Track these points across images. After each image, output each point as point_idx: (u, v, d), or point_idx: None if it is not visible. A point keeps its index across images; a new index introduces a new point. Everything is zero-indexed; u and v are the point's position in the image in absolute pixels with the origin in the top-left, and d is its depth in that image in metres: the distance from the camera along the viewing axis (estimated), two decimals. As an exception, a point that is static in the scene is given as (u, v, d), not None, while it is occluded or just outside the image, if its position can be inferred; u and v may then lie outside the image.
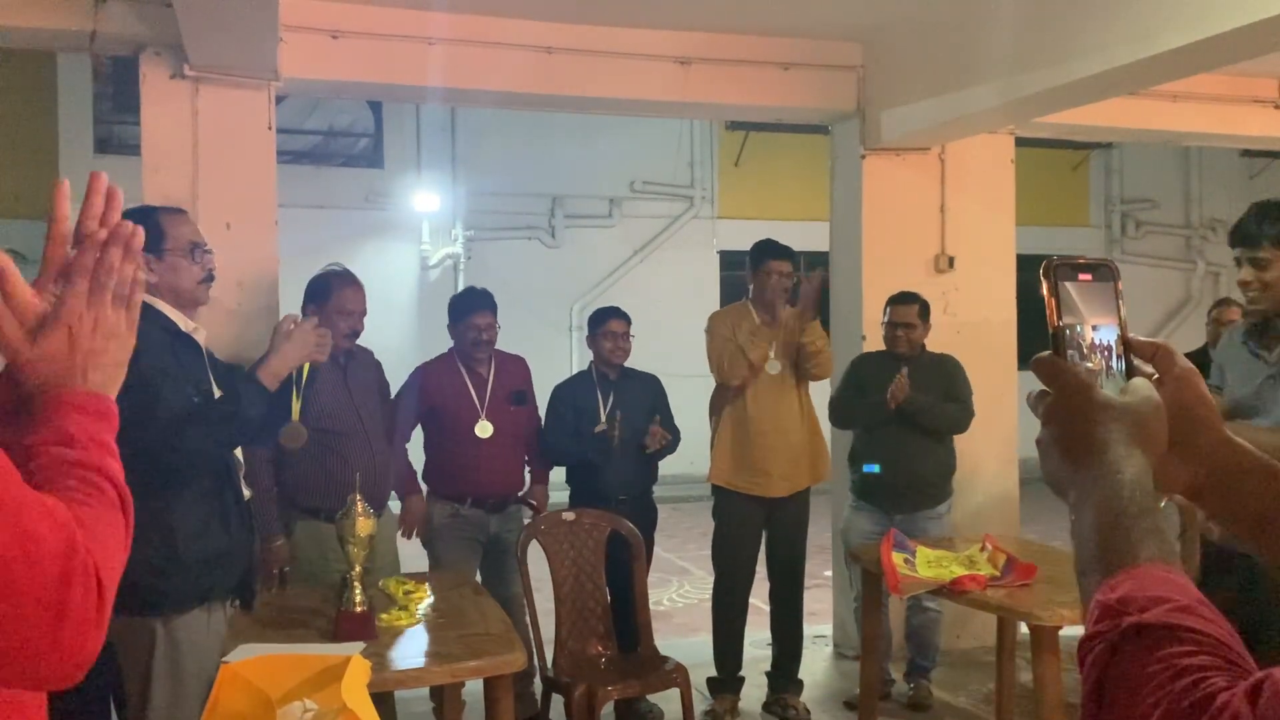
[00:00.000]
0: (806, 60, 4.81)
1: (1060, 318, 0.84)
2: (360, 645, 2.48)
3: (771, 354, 4.14)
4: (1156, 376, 0.85)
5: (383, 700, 2.75)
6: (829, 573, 5.48)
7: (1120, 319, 0.85)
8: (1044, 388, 0.84)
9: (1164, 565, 0.72)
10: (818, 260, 4.99)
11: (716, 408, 4.35)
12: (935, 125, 4.62)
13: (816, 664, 4.89)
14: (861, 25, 4.71)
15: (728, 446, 4.22)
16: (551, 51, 4.41)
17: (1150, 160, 12.15)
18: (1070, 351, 0.83)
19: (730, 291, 10.22)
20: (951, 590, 3.24)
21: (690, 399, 4.97)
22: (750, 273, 4.24)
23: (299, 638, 2.62)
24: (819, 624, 5.31)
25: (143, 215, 2.64)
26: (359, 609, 2.63)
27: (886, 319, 4.31)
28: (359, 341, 3.65)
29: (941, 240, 5.09)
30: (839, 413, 4.45)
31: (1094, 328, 0.85)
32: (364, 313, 3.58)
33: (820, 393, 4.40)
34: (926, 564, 3.44)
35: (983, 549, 3.47)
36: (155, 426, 2.37)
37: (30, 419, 0.97)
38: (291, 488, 3.51)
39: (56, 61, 9.25)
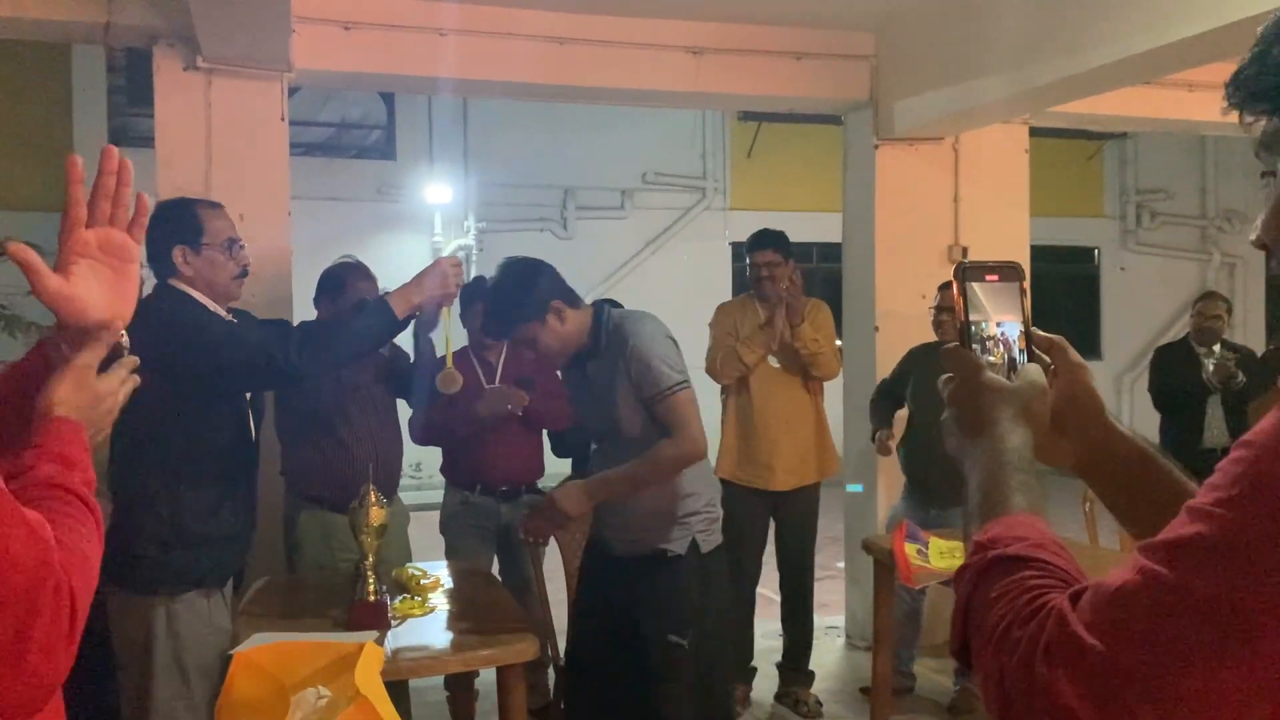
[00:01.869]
0: (819, 50, 4.79)
1: (967, 315, 0.96)
2: (373, 634, 2.49)
3: (773, 349, 4.13)
4: (1053, 366, 0.99)
5: (397, 689, 2.76)
6: (841, 564, 5.48)
7: (1024, 315, 0.97)
8: (949, 374, 0.97)
9: (1031, 514, 0.85)
10: (830, 251, 4.99)
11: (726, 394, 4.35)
12: (949, 115, 4.59)
13: (829, 655, 4.89)
14: (874, 14, 4.68)
15: (733, 440, 4.22)
16: (563, 42, 4.41)
17: (1165, 150, 12.07)
18: (975, 345, 0.95)
19: (742, 283, 10.19)
20: (964, 581, 3.23)
21: (701, 390, 4.95)
22: None
23: (311, 627, 2.63)
24: (831, 615, 5.31)
25: (180, 208, 2.66)
26: (372, 598, 2.64)
27: (935, 303, 4.24)
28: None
29: (955, 231, 5.07)
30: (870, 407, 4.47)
31: (998, 323, 0.96)
32: (378, 304, 3.58)
33: (832, 387, 4.38)
34: (939, 554, 3.43)
35: (996, 540, 3.46)
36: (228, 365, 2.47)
37: (26, 436, 0.99)
38: (295, 477, 3.52)
39: (71, 54, 9.28)
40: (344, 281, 3.53)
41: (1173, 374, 5.07)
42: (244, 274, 2.69)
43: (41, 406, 1.03)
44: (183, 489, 2.51)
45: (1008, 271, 0.97)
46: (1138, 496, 0.99)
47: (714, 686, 2.78)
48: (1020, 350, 0.96)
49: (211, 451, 2.55)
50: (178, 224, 2.59)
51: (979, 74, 4.25)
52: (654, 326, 2.74)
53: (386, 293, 2.69)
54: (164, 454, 2.51)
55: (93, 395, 1.07)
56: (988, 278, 0.97)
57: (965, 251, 5.06)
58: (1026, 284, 0.98)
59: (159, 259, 2.59)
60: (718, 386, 4.41)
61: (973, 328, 0.95)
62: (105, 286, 1.08)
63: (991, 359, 0.95)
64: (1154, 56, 3.56)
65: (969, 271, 0.96)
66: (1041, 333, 0.99)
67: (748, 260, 4.23)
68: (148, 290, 2.66)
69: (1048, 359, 0.99)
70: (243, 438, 2.70)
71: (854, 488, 4.27)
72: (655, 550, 2.71)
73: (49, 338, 1.15)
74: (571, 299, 2.73)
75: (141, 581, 2.48)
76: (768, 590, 4.46)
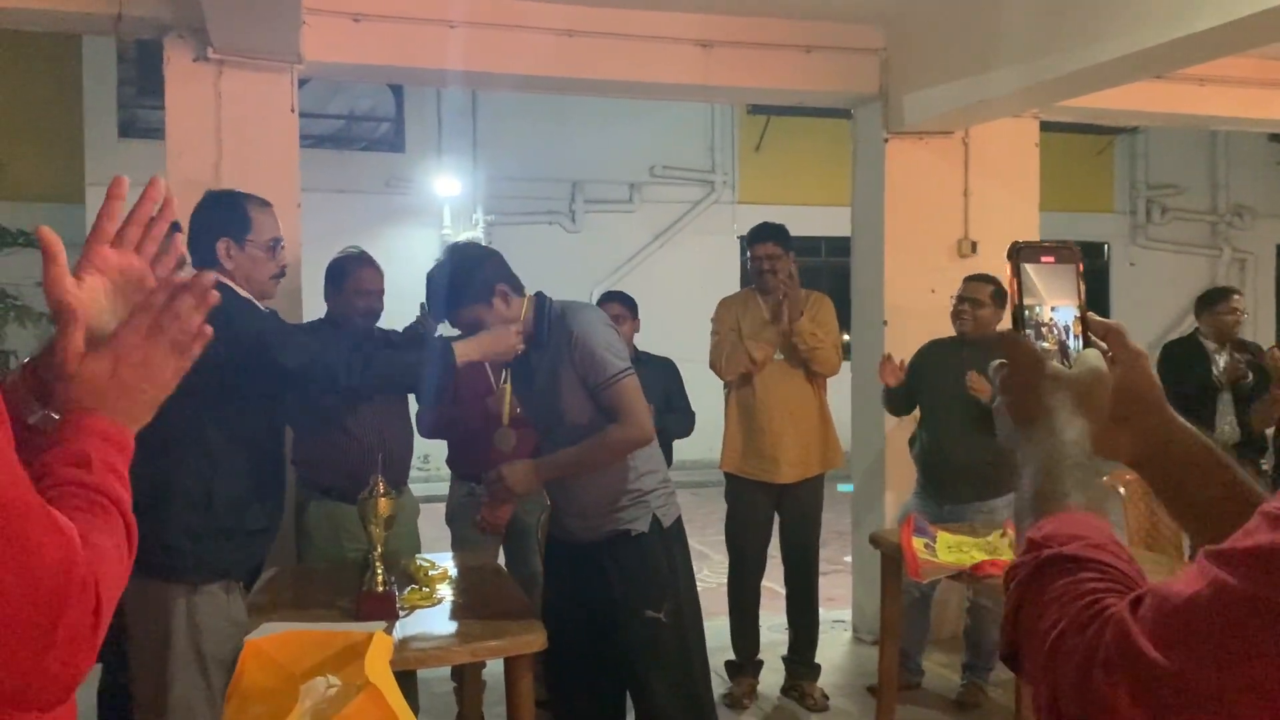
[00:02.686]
0: (828, 43, 4.78)
1: (1021, 298, 0.92)
2: (382, 624, 2.50)
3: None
4: (1109, 354, 0.93)
5: (405, 679, 2.77)
6: (849, 558, 5.48)
7: (1080, 299, 0.93)
8: (1002, 360, 0.93)
9: (1088, 511, 0.81)
10: (839, 245, 4.98)
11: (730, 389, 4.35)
12: (958, 109, 4.58)
13: (835, 649, 4.90)
14: (884, 8, 4.67)
15: (736, 433, 4.22)
16: (572, 35, 4.41)
17: (1176, 145, 12.02)
18: (1028, 330, 0.91)
19: (750, 277, 10.20)
20: (972, 575, 3.23)
21: (709, 384, 4.97)
22: None
23: (320, 617, 2.64)
24: (838, 609, 5.31)
25: (231, 201, 2.66)
26: (381, 589, 2.65)
27: (957, 293, 4.18)
28: (380, 324, 3.66)
29: (964, 225, 5.06)
30: (886, 401, 4.46)
31: (1053, 308, 0.92)
32: (382, 292, 3.59)
33: (840, 382, 4.38)
34: (947, 549, 3.43)
35: (1004, 534, 3.46)
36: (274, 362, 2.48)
37: (48, 435, 0.98)
38: (305, 467, 3.53)
39: (81, 45, 9.31)
40: (348, 271, 3.55)
41: (1182, 371, 5.05)
42: (281, 274, 2.70)
43: (65, 403, 1.03)
44: (218, 481, 2.52)
45: (1064, 252, 0.93)
46: (1197, 493, 0.93)
47: (693, 662, 2.78)
48: (1075, 336, 0.92)
49: (248, 445, 2.57)
50: (226, 217, 2.60)
51: (989, 68, 4.24)
52: (595, 315, 2.77)
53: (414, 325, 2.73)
54: (203, 445, 2.52)
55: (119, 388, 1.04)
56: (1043, 259, 0.92)
57: (974, 246, 5.05)
58: (1082, 266, 0.94)
59: (200, 249, 2.56)
60: (720, 380, 4.41)
61: (1026, 312, 0.91)
62: (111, 306, 1.07)
63: (1045, 345, 0.91)
64: (1165, 50, 3.55)
65: (1024, 252, 0.92)
66: (1098, 318, 0.94)
67: (748, 254, 4.25)
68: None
69: (1104, 345, 0.93)
70: (275, 433, 2.72)
71: (845, 488, 4.26)
72: (619, 531, 2.74)
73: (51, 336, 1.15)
74: (516, 286, 2.73)
75: (167, 569, 2.49)
76: (773, 583, 4.46)
